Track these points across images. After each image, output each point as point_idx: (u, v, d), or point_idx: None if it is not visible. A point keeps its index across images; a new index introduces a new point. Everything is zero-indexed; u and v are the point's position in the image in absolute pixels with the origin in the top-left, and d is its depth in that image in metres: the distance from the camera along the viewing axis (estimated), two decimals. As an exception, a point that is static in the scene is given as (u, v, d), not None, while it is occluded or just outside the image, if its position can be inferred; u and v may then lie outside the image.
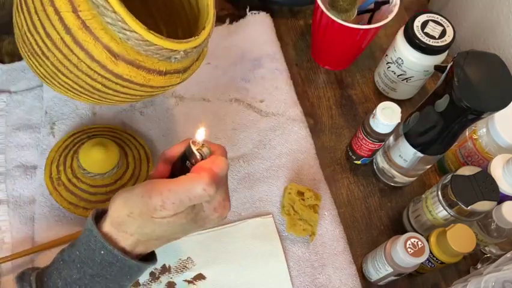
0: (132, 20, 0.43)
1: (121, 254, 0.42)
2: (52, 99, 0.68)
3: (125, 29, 0.44)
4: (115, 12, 0.43)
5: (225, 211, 0.45)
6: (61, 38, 0.44)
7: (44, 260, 0.58)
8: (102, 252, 0.42)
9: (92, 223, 0.42)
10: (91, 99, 0.51)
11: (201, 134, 0.43)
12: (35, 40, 0.46)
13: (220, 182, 0.42)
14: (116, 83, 0.47)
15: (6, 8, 0.77)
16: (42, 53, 0.47)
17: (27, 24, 0.47)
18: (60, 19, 0.43)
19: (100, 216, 0.44)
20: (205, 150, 0.43)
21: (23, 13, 0.47)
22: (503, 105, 0.51)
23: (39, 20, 0.45)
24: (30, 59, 0.50)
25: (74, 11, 0.43)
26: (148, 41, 0.45)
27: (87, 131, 0.66)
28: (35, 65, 0.50)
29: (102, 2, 0.42)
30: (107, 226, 0.43)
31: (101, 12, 0.43)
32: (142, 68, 0.47)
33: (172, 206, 0.40)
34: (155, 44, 0.45)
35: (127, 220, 0.42)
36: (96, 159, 0.59)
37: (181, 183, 0.40)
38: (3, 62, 0.71)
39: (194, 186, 0.40)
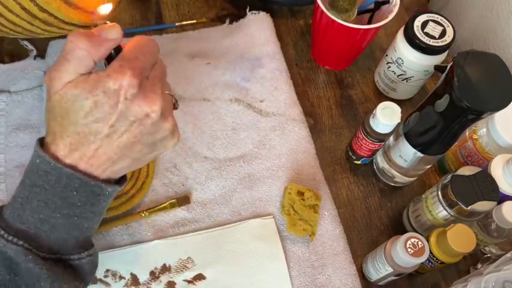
0: None
1: (54, 161, 0.40)
2: (52, 99, 0.68)
3: None
4: None
5: (128, 82, 0.39)
6: None
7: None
8: (38, 161, 0.40)
9: (36, 140, 0.42)
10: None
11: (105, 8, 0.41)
12: None
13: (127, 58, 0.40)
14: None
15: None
16: None
17: None
18: None
19: None
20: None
21: None
22: (503, 105, 0.51)
23: None
24: None
25: None
26: None
27: (87, 131, 0.66)
28: None
29: None
30: (46, 136, 0.42)
31: None
32: None
33: (55, 74, 0.39)
34: None
35: (47, 118, 0.41)
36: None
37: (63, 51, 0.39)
38: (3, 62, 0.71)
39: (65, 43, 0.39)
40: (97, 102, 0.39)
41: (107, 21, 0.42)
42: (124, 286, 0.58)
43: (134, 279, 0.59)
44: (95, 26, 0.42)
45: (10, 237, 0.40)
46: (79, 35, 0.39)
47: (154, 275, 0.59)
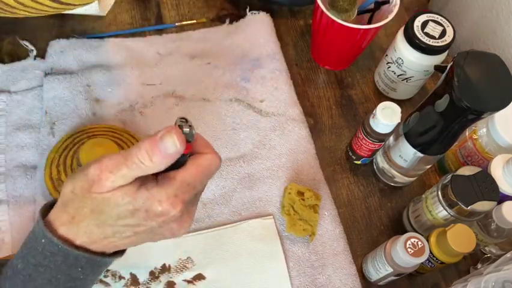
0: None
1: (62, 243, 0.38)
2: (52, 99, 0.68)
3: None
4: None
5: (174, 214, 0.38)
6: None
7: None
8: (43, 241, 0.38)
9: (41, 210, 0.40)
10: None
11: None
12: None
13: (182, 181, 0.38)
14: None
15: (6, 8, 0.77)
16: None
17: None
18: None
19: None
20: (185, 129, 0.37)
21: None
22: (503, 105, 0.51)
23: None
24: None
25: None
26: None
27: (87, 131, 0.66)
28: None
29: None
30: (54, 211, 0.39)
31: None
32: None
33: (108, 176, 0.36)
34: None
35: (69, 197, 0.38)
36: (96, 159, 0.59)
37: (122, 152, 0.37)
38: (3, 62, 0.71)
39: (132, 151, 0.36)
40: (134, 214, 0.38)
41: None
42: (124, 286, 0.58)
43: (134, 279, 0.59)
44: None
45: None
46: (146, 151, 0.36)
47: (153, 275, 0.59)
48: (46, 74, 0.70)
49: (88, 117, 0.68)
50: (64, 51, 0.72)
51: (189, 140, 0.37)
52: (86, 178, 0.37)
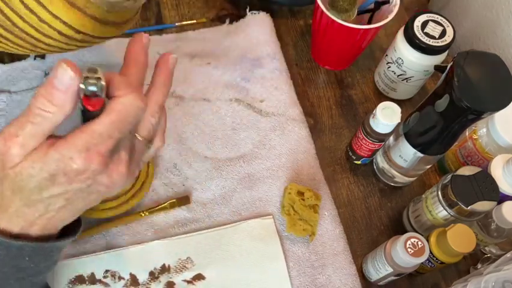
0: None
1: (1, 236, 0.35)
2: (52, 99, 0.68)
3: None
4: None
5: (95, 168, 0.34)
6: None
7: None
8: None
9: None
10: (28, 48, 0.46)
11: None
12: None
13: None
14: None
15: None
16: None
17: None
18: None
19: None
20: (91, 81, 0.33)
21: None
22: (503, 105, 0.51)
23: None
24: None
25: None
26: None
27: (87, 131, 0.66)
28: None
29: None
30: None
31: None
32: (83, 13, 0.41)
33: (15, 141, 0.33)
34: None
35: None
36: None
37: (22, 112, 0.34)
38: (3, 62, 0.71)
39: (29, 105, 0.33)
40: (55, 181, 0.34)
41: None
42: (124, 286, 0.58)
43: (134, 279, 0.59)
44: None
45: None
46: (44, 96, 0.33)
47: (153, 275, 0.59)
48: (46, 74, 0.70)
49: (88, 117, 0.68)
50: (63, 51, 0.72)
51: (98, 94, 0.34)
52: None
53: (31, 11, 0.39)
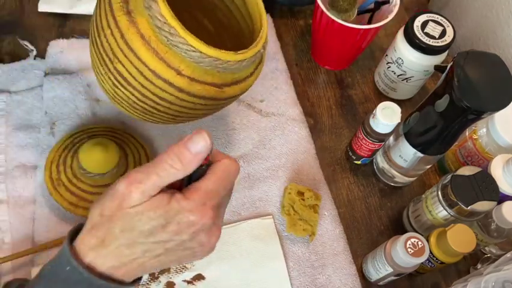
0: (203, 44, 0.45)
1: (87, 272, 0.37)
2: (52, 99, 0.68)
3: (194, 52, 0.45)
4: (185, 41, 0.44)
5: (205, 222, 0.38)
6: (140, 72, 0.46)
7: (44, 260, 0.58)
8: (68, 268, 0.37)
9: (68, 235, 0.39)
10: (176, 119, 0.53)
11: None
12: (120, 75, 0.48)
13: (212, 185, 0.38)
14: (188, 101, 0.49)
15: (6, 8, 0.77)
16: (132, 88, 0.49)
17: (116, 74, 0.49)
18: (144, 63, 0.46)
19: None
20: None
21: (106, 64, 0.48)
22: (503, 105, 0.51)
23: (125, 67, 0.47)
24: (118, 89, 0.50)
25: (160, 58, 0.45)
26: (220, 59, 0.46)
27: (87, 131, 0.66)
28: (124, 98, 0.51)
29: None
30: (82, 237, 0.38)
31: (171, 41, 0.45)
32: (211, 84, 0.48)
33: (138, 187, 0.36)
34: (219, 59, 0.47)
35: (97, 221, 0.38)
36: (96, 159, 0.59)
37: (149, 162, 0.37)
38: (3, 62, 0.71)
39: (161, 158, 0.37)
40: (166, 228, 0.37)
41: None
42: None
43: (134, 279, 0.59)
44: None
45: None
46: (176, 154, 0.37)
47: (153, 275, 0.59)
48: (46, 74, 0.70)
49: (88, 117, 0.68)
50: (63, 51, 0.72)
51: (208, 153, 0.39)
52: (115, 195, 0.37)
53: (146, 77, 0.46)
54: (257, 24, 0.54)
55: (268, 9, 0.80)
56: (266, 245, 0.63)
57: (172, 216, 0.37)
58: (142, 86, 0.47)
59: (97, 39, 0.47)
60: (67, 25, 0.76)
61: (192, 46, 0.44)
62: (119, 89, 0.49)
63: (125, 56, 0.45)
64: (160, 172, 0.37)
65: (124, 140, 0.65)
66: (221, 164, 0.40)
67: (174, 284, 0.59)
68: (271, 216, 0.65)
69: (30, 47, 0.73)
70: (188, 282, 0.59)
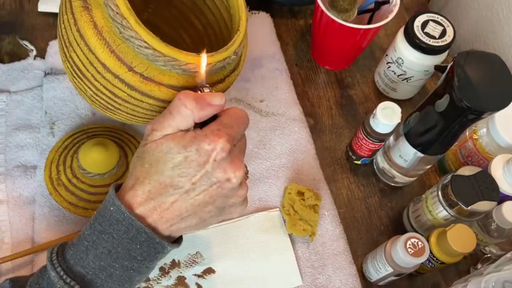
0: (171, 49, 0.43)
1: (128, 211, 0.40)
2: (52, 99, 0.68)
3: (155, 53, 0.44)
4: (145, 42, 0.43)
5: (222, 145, 0.41)
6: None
7: (44, 260, 0.57)
8: (112, 208, 0.41)
9: (113, 184, 0.43)
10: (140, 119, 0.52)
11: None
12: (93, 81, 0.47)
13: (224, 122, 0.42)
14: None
15: (6, 8, 0.77)
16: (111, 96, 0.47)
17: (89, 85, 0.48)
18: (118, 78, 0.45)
19: None
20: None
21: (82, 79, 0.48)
22: (503, 105, 0.51)
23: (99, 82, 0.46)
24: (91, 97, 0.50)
25: (130, 69, 0.44)
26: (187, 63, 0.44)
27: (87, 131, 0.66)
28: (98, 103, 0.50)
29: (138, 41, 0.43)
30: (124, 182, 0.43)
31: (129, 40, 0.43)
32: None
33: (157, 126, 0.41)
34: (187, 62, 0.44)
35: (133, 162, 0.43)
36: (96, 159, 0.59)
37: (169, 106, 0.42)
38: (3, 62, 0.71)
39: (174, 100, 0.41)
40: (187, 158, 0.41)
41: (208, 85, 0.45)
42: None
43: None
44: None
45: (68, 280, 0.41)
46: (188, 96, 0.41)
47: (164, 271, 0.60)
48: (46, 74, 0.70)
49: (88, 117, 0.68)
50: (63, 51, 0.72)
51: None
52: (143, 138, 0.43)
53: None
54: (235, 25, 0.50)
55: (268, 9, 0.81)
56: (274, 236, 0.63)
57: (189, 143, 0.41)
58: (94, 78, 0.45)
59: (59, 25, 0.45)
60: (67, 25, 0.76)
61: (144, 41, 0.41)
62: (76, 79, 0.47)
63: (78, 44, 0.43)
64: (173, 110, 0.41)
65: (124, 140, 0.65)
66: (229, 109, 0.44)
67: (185, 279, 0.59)
68: (277, 209, 0.65)
69: (30, 47, 0.73)
70: (199, 276, 0.60)
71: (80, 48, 0.43)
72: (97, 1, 0.43)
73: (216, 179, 0.41)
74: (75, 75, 0.48)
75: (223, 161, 0.41)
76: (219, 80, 0.49)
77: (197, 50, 0.45)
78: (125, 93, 0.45)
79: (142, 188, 0.42)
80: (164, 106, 0.47)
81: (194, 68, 0.44)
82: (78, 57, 0.45)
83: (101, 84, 0.45)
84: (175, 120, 0.41)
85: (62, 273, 0.41)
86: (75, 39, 0.43)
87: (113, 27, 0.42)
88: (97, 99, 0.48)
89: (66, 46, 0.45)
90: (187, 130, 0.42)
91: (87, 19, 0.42)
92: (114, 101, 0.47)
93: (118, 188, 0.44)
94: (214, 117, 0.43)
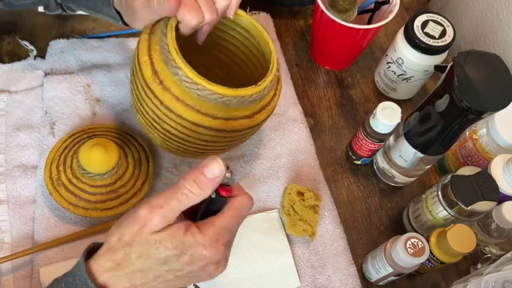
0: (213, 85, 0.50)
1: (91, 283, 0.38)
2: (52, 99, 0.68)
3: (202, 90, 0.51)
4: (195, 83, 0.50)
5: (217, 257, 0.40)
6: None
7: (44, 260, 0.58)
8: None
9: (83, 254, 0.40)
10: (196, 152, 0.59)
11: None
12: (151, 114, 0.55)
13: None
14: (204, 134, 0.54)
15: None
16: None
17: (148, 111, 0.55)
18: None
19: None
20: (227, 174, 0.40)
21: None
22: (503, 105, 0.51)
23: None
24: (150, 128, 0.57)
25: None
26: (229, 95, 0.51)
27: (87, 131, 0.66)
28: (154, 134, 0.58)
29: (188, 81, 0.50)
30: (98, 258, 0.40)
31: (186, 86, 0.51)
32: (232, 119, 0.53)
33: (159, 211, 0.38)
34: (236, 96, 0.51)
35: (115, 245, 0.39)
36: (96, 159, 0.59)
37: (169, 188, 0.40)
38: (3, 62, 0.71)
39: (179, 184, 0.39)
40: (180, 258, 0.39)
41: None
42: None
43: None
44: None
45: None
46: (193, 179, 0.39)
47: None
48: (46, 74, 0.70)
49: (88, 117, 0.68)
50: (63, 51, 0.72)
51: (229, 184, 0.41)
52: (136, 219, 0.39)
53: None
54: (267, 51, 0.58)
55: (268, 9, 0.81)
56: (273, 238, 0.63)
57: (187, 248, 0.39)
58: (188, 136, 0.54)
59: (141, 108, 0.55)
60: (67, 25, 0.76)
61: (219, 94, 0.50)
62: (169, 142, 0.56)
63: (168, 117, 0.52)
64: (179, 197, 0.39)
65: (124, 140, 0.65)
66: (237, 201, 0.42)
67: None
68: (276, 210, 0.65)
69: (30, 47, 0.73)
70: None
71: (171, 119, 0.52)
72: (170, 79, 0.51)
73: (198, 275, 0.41)
74: (169, 139, 0.56)
75: (212, 265, 0.41)
76: (273, 95, 0.57)
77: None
78: (214, 136, 0.54)
79: (120, 273, 0.40)
80: (244, 133, 0.56)
81: (257, 96, 0.53)
82: (170, 126, 0.53)
83: (193, 137, 0.54)
84: (179, 207, 0.39)
85: None
86: (165, 114, 0.52)
87: (190, 93, 0.51)
88: (189, 150, 0.58)
89: (157, 122, 0.54)
90: (186, 226, 0.40)
91: (169, 96, 0.51)
92: (205, 145, 0.56)
93: (89, 254, 0.41)
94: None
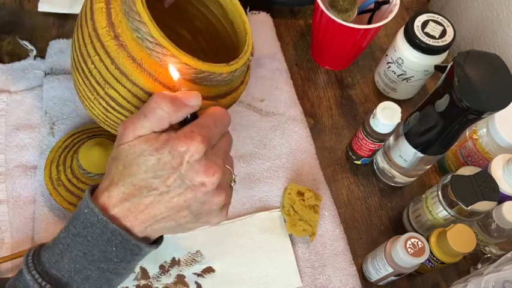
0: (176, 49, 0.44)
1: (101, 214, 0.40)
2: (52, 99, 0.68)
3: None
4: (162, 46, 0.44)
5: (196, 147, 0.40)
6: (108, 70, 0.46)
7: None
8: (86, 211, 0.41)
9: (89, 187, 0.43)
10: None
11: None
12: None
13: (203, 125, 0.42)
14: None
15: (6, 8, 0.77)
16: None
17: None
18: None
19: None
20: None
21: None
22: (503, 105, 0.51)
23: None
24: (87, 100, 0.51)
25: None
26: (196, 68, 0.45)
27: (87, 131, 0.66)
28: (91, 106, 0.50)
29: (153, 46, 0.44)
30: (100, 183, 0.43)
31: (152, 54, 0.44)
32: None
33: (130, 126, 0.40)
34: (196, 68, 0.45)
35: (108, 163, 0.42)
36: (96, 159, 0.59)
37: (142, 107, 0.41)
38: (3, 62, 0.71)
39: (149, 101, 0.41)
40: (160, 160, 0.40)
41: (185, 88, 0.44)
42: (134, 279, 0.59)
43: (144, 272, 0.59)
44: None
45: (44, 283, 0.40)
46: (165, 98, 0.40)
47: (163, 269, 0.60)
48: (46, 74, 0.70)
49: (88, 117, 0.68)
50: (63, 51, 0.72)
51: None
52: (118, 137, 0.42)
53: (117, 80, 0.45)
54: (241, 33, 0.53)
55: (268, 9, 0.81)
56: (275, 237, 0.63)
57: (162, 146, 0.40)
58: (136, 107, 0.47)
59: (83, 65, 0.46)
60: (67, 25, 0.76)
61: (185, 64, 0.44)
62: (110, 112, 0.48)
63: (118, 80, 0.45)
64: (147, 112, 0.40)
65: (124, 140, 0.65)
66: (209, 109, 0.43)
67: (184, 277, 0.60)
68: (279, 209, 0.65)
69: (30, 47, 0.73)
70: (199, 275, 0.60)
71: (121, 83, 0.45)
72: (128, 36, 0.44)
73: (190, 182, 0.40)
74: (111, 109, 0.48)
75: (197, 164, 0.40)
76: (241, 82, 0.53)
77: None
78: None
79: (116, 189, 0.41)
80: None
81: (226, 77, 0.48)
82: (118, 92, 0.46)
83: None
84: (148, 122, 0.40)
85: (37, 276, 0.41)
86: (113, 76, 0.44)
87: (151, 57, 0.44)
88: None
89: (100, 85, 0.46)
90: (161, 132, 0.41)
91: (124, 55, 0.44)
92: None
93: (94, 190, 0.43)
94: (194, 117, 0.42)
